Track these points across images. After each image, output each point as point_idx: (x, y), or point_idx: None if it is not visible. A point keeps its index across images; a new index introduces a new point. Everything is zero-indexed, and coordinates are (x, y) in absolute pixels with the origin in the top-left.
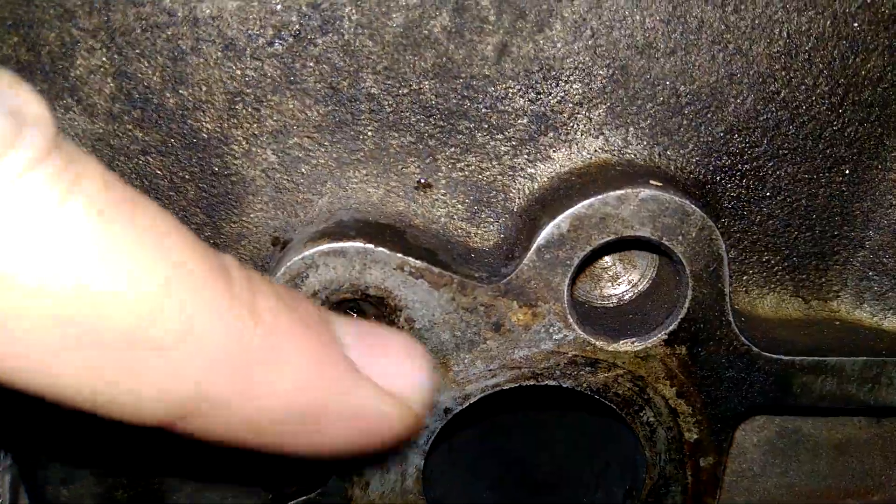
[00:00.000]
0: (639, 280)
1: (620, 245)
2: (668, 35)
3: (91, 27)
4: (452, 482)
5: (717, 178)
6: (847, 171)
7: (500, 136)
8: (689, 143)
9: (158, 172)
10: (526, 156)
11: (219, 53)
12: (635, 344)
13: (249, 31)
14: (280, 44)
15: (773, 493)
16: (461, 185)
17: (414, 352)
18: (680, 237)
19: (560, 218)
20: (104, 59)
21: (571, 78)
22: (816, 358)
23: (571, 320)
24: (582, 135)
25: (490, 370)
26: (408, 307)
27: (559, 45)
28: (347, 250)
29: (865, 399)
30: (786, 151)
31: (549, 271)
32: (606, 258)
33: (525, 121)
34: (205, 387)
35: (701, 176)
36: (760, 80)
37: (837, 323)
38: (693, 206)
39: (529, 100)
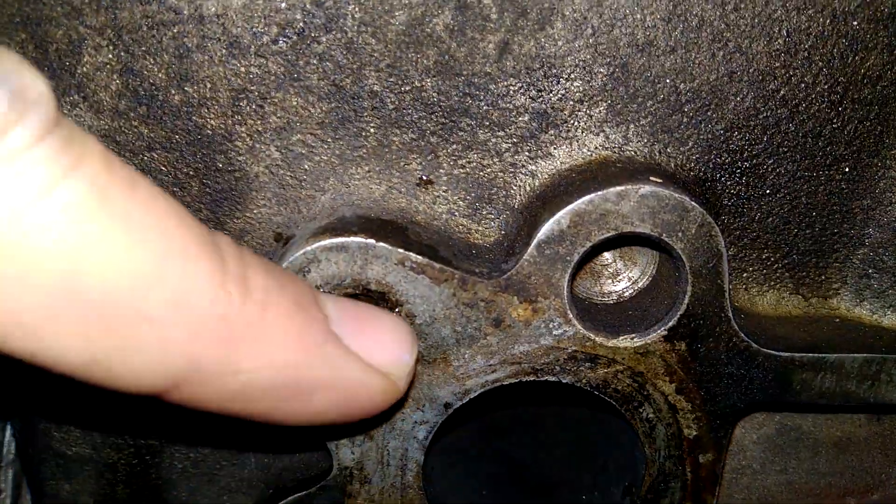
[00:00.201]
0: (639, 277)
1: (620, 241)
2: (668, 33)
3: (98, 25)
4: (451, 481)
5: (717, 175)
6: (847, 169)
7: (501, 134)
8: (689, 140)
9: (163, 168)
10: (527, 153)
11: (223, 51)
12: (635, 340)
13: (254, 29)
14: (284, 41)
15: (773, 490)
16: (462, 182)
17: (398, 328)
18: (679, 234)
19: (560, 214)
20: (111, 56)
21: (572, 76)
22: (816, 355)
23: (571, 316)
24: (582, 132)
25: (490, 365)
26: (409, 302)
27: (560, 42)
28: (349, 245)
29: (865, 396)
30: (785, 149)
31: (549, 267)
32: (606, 255)
33: (526, 118)
34: (195, 357)
35: (701, 173)
36: (760, 78)
37: (837, 320)
38: (693, 202)
39: (530, 97)
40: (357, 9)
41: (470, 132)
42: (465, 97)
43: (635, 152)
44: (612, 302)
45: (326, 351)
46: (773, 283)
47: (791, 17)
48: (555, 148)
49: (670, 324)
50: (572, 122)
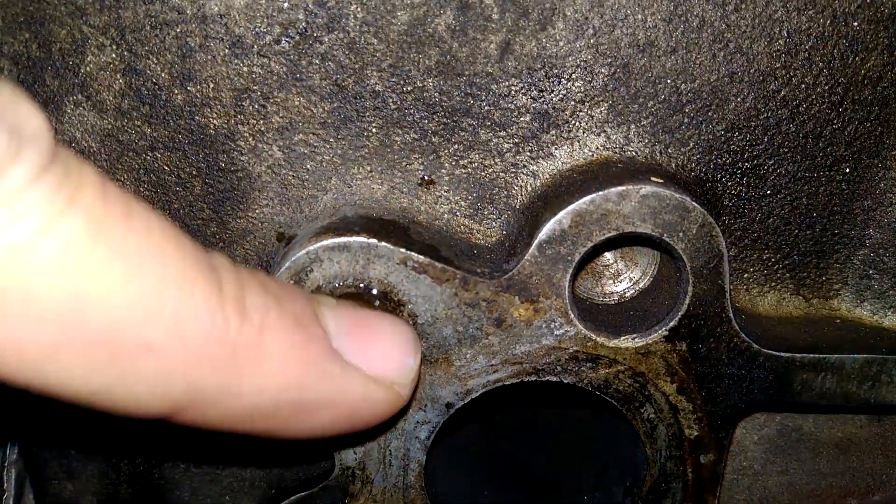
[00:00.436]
0: (640, 277)
1: (622, 241)
2: (669, 34)
3: (101, 24)
4: (453, 481)
5: (718, 175)
6: (847, 170)
7: (502, 134)
8: (689, 141)
9: (166, 168)
10: (528, 153)
11: (226, 51)
12: (636, 340)
13: (257, 29)
14: (287, 41)
15: (774, 490)
16: (464, 182)
17: (400, 335)
18: (680, 234)
19: (561, 214)
20: (114, 55)
21: (573, 76)
22: (817, 355)
23: (573, 316)
24: (584, 132)
25: (492, 365)
26: (411, 302)
27: (561, 43)
28: (351, 245)
29: (866, 397)
30: (786, 150)
31: (550, 267)
32: (608, 255)
33: (527, 118)
34: (196, 383)
35: (702, 174)
36: (761, 78)
37: (838, 321)
38: (694, 203)
39: (532, 97)
40: (359, 9)
41: (472, 132)
42: (467, 97)
43: (636, 152)
44: (613, 302)
45: (327, 369)
46: (773, 283)
47: (792, 18)
48: (556, 148)
49: (671, 324)
50: (574, 122)
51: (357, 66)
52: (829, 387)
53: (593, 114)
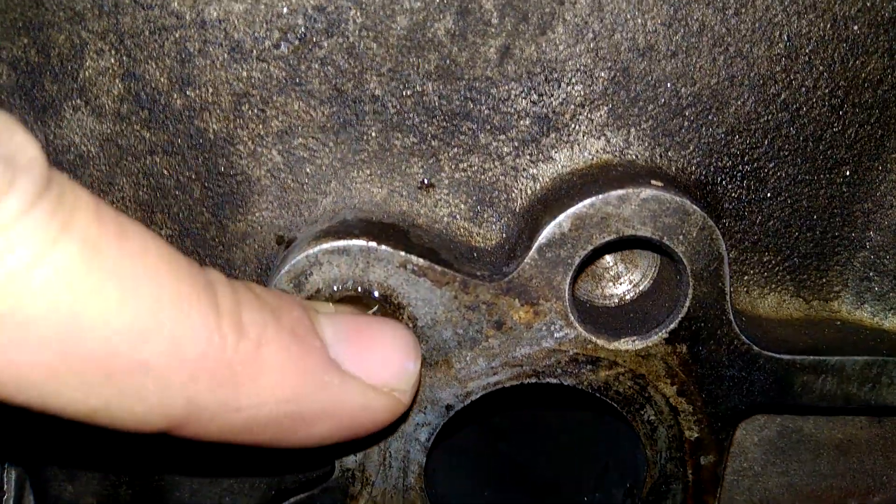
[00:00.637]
0: (640, 280)
1: (622, 244)
2: (669, 38)
3: (100, 30)
4: (453, 483)
5: (718, 179)
6: (847, 173)
7: (502, 137)
8: (689, 144)
9: (165, 172)
10: (528, 156)
11: (225, 55)
12: (636, 342)
13: (256, 34)
14: (286, 46)
15: (774, 492)
16: (464, 186)
17: (399, 340)
18: (681, 237)
19: (561, 217)
20: (113, 60)
21: (573, 80)
22: (817, 357)
23: (573, 318)
24: (584, 136)
25: (492, 368)
26: (410, 305)
27: (561, 47)
28: (351, 248)
29: (866, 399)
30: (786, 153)
31: (550, 270)
32: (608, 258)
33: (527, 122)
34: (195, 399)
35: (702, 177)
36: (761, 82)
37: (838, 323)
38: (694, 206)
39: (532, 101)
40: (359, 13)
41: (471, 136)
42: (467, 101)
43: (636, 156)
44: (613, 305)
45: (325, 380)
46: (774, 285)
47: (792, 22)
48: (556, 151)
49: (671, 326)
50: (573, 125)
51: (356, 70)
52: (830, 388)
53: (593, 117)
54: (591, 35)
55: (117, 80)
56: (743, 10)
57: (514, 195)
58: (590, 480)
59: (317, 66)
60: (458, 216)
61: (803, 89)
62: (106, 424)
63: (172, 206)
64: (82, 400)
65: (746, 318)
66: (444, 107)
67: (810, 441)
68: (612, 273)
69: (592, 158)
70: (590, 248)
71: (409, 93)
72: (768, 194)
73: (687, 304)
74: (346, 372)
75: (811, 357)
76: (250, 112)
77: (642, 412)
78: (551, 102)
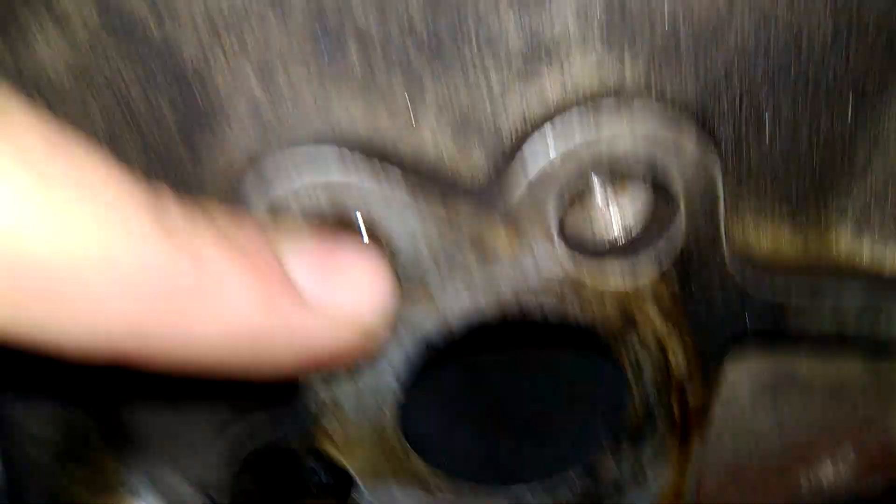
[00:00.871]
0: (632, 215)
1: (614, 178)
2: None
3: None
4: (430, 419)
5: (716, 114)
6: (850, 105)
7: (492, 69)
8: (687, 79)
9: (140, 105)
10: (518, 88)
11: None
12: (625, 276)
13: None
14: None
15: (765, 432)
16: (451, 115)
17: (372, 268)
18: (676, 172)
19: (551, 146)
20: None
21: (567, 9)
22: (813, 288)
23: (560, 252)
24: (577, 68)
25: (474, 301)
26: (389, 231)
27: None
28: (328, 168)
29: (863, 333)
30: (787, 85)
31: (538, 202)
32: (598, 193)
33: (519, 52)
34: (137, 321)
35: (699, 112)
36: (762, 14)
37: (836, 258)
38: (690, 140)
39: (524, 31)
40: None
41: (460, 67)
42: (455, 32)
43: (631, 88)
44: (603, 240)
45: (287, 309)
46: (770, 220)
47: None
48: (548, 82)
49: (662, 260)
50: (566, 55)
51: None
52: (825, 321)
53: (587, 49)
54: None
55: (93, 9)
56: None
57: (502, 126)
58: (573, 419)
59: None
60: (444, 146)
61: (806, 23)
62: (45, 348)
63: (147, 137)
64: (13, 315)
65: (741, 253)
66: (432, 38)
67: (803, 382)
68: (602, 209)
69: (585, 90)
70: (580, 180)
71: (394, 21)
72: (767, 129)
73: (679, 237)
74: (311, 300)
75: (806, 288)
76: (229, 44)
77: (629, 348)
78: (543, 31)
